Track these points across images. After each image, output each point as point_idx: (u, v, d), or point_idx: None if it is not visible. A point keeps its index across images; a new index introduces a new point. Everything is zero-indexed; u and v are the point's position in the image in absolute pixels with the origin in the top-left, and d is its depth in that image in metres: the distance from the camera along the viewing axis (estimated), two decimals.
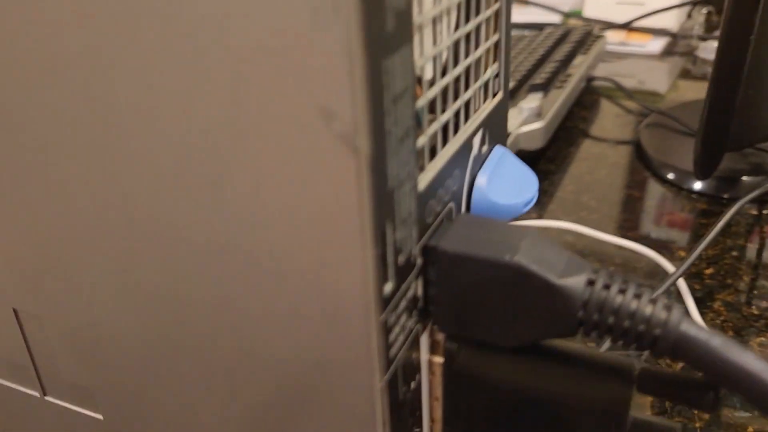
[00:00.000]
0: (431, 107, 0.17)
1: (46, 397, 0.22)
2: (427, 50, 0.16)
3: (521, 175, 0.21)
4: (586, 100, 0.59)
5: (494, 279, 0.17)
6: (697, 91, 0.60)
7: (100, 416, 0.21)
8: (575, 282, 0.17)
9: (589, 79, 0.62)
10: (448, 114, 0.18)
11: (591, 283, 0.17)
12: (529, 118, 0.47)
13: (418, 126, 0.16)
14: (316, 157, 0.13)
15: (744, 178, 0.44)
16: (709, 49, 0.68)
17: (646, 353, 0.31)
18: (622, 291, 0.17)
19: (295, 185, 0.14)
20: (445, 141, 0.18)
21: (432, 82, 0.17)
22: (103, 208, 0.17)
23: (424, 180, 0.16)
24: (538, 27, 0.69)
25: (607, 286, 0.17)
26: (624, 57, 0.68)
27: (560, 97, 0.50)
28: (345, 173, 0.13)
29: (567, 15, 0.77)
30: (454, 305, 0.17)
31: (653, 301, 0.17)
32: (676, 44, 0.71)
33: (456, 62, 0.18)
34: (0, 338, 0.21)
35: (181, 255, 0.16)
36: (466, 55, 0.18)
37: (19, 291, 0.20)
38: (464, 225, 0.17)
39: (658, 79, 0.63)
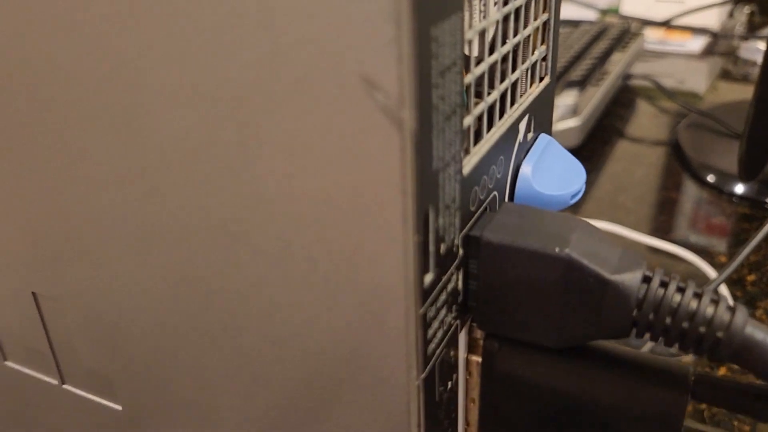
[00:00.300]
0: (477, 90, 0.16)
1: (65, 386, 0.21)
2: (475, 24, 0.15)
3: (568, 165, 0.20)
4: (623, 98, 0.58)
5: (541, 273, 0.15)
6: (737, 92, 0.58)
7: (118, 407, 0.20)
8: (630, 278, 0.15)
9: (626, 78, 0.60)
10: (495, 95, 0.16)
11: (647, 279, 0.16)
12: (564, 114, 0.45)
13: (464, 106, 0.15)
14: (356, 131, 0.12)
15: None
16: (751, 49, 0.66)
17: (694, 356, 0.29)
18: (681, 290, 0.15)
19: (331, 162, 0.13)
20: (490, 125, 0.17)
21: (479, 60, 0.15)
22: (125, 188, 0.16)
23: (468, 164, 0.15)
24: (573, 24, 0.67)
25: (664, 284, 0.16)
26: (662, 56, 0.67)
27: (597, 95, 0.48)
28: (387, 149, 0.12)
29: (604, 12, 0.75)
30: (496, 301, 0.16)
31: (715, 302, 0.15)
32: (717, 44, 0.69)
33: (504, 40, 0.17)
34: (19, 323, 0.20)
35: (207, 237, 0.15)
36: (515, 33, 0.17)
37: (38, 274, 0.19)
38: (509, 214, 0.16)
39: (697, 79, 0.61)
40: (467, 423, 0.18)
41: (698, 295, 0.15)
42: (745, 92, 0.58)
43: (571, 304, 0.15)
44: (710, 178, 0.44)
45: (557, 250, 0.15)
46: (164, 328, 0.17)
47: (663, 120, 0.54)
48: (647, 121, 0.54)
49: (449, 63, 0.13)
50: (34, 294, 0.19)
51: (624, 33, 0.60)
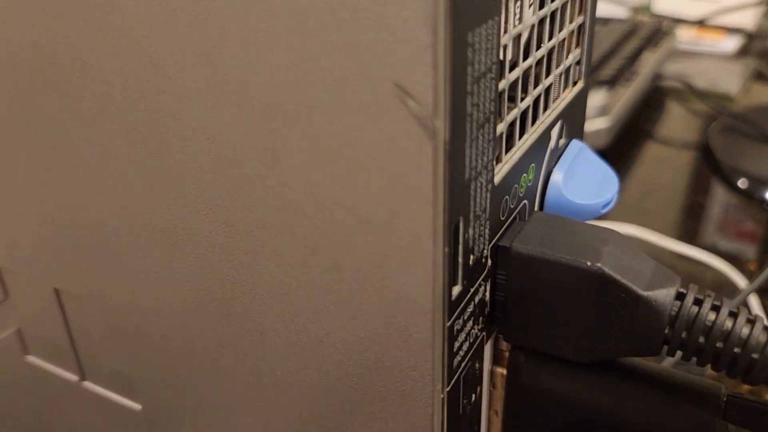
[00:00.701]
0: (509, 95, 0.15)
1: (84, 383, 0.21)
2: (511, 28, 0.14)
3: (600, 172, 0.19)
4: (653, 99, 0.57)
5: (571, 286, 0.15)
6: None
7: (138, 406, 0.20)
8: (663, 295, 0.15)
9: (657, 78, 0.59)
10: (528, 100, 0.16)
11: (680, 296, 0.15)
12: (593, 115, 0.44)
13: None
14: (387, 139, 0.12)
15: None
16: None
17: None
18: (716, 308, 0.15)
19: (360, 169, 0.12)
20: (522, 131, 0.16)
21: (513, 65, 0.15)
22: (151, 189, 0.15)
23: (500, 173, 0.15)
24: (603, 21, 0.66)
25: (698, 302, 0.15)
26: (695, 56, 0.65)
27: (626, 95, 0.47)
28: (419, 159, 0.12)
29: (635, 10, 0.74)
30: (524, 313, 0.16)
31: (751, 322, 0.15)
32: (751, 44, 0.68)
33: (539, 44, 0.16)
34: (41, 318, 0.20)
35: (231, 241, 0.15)
36: (550, 37, 0.17)
37: (61, 270, 0.19)
38: (539, 224, 0.16)
39: (730, 80, 0.60)
40: None
41: (734, 314, 0.15)
42: None
43: (601, 319, 0.15)
44: (741, 183, 0.43)
45: (589, 263, 0.15)
46: (185, 330, 0.17)
47: (694, 122, 0.53)
48: (677, 123, 0.53)
49: (484, 70, 0.13)
50: (56, 290, 0.19)
51: (655, 32, 0.59)
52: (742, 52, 0.66)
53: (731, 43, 0.67)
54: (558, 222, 0.16)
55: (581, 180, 0.18)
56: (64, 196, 0.17)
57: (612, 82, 0.48)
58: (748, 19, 0.69)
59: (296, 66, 0.12)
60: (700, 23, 0.69)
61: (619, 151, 0.48)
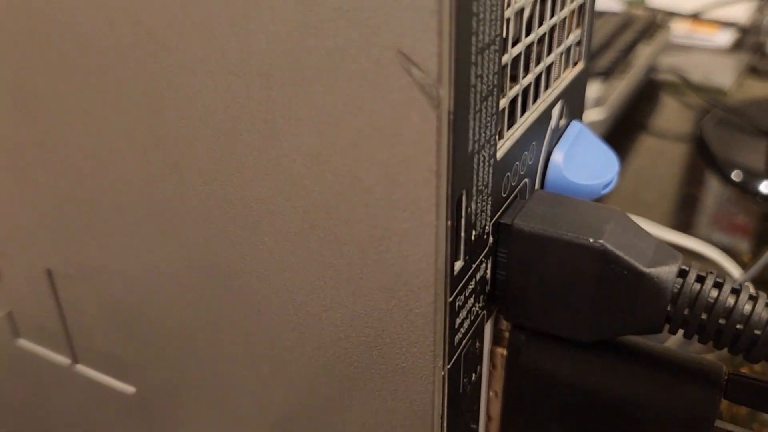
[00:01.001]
0: (511, 73, 0.15)
1: (77, 366, 0.21)
2: (513, 2, 0.14)
3: (600, 154, 0.19)
4: (647, 92, 0.57)
5: (573, 264, 0.15)
6: (764, 88, 0.57)
7: (132, 389, 0.20)
8: (666, 272, 0.15)
9: (651, 71, 0.59)
10: (530, 77, 0.16)
11: (683, 274, 0.15)
12: (587, 106, 0.44)
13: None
14: (390, 108, 0.12)
15: None
16: None
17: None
18: (718, 285, 0.15)
19: (361, 140, 0.12)
20: (524, 108, 0.16)
21: (515, 41, 0.15)
22: (145, 163, 0.15)
23: (502, 148, 0.14)
24: (598, 14, 0.66)
25: (700, 279, 0.15)
26: (689, 49, 0.65)
27: (621, 87, 0.47)
28: (422, 128, 0.11)
29: (629, 3, 0.74)
30: (525, 291, 0.16)
31: (753, 298, 0.15)
32: (744, 39, 0.68)
33: (540, 21, 0.16)
34: (33, 300, 0.20)
35: (228, 214, 0.15)
36: (551, 14, 0.16)
37: (53, 251, 0.18)
38: (541, 202, 0.16)
39: (723, 74, 0.60)
40: (489, 416, 0.18)
41: (736, 291, 0.15)
42: None
43: (603, 297, 0.15)
44: (735, 176, 0.43)
45: (591, 240, 0.15)
46: (181, 309, 0.17)
47: (688, 115, 0.53)
48: (672, 116, 0.53)
49: (488, 41, 0.12)
50: (48, 271, 0.19)
51: (650, 25, 0.59)
52: (736, 46, 0.66)
53: (725, 37, 0.67)
54: (559, 200, 0.16)
55: (582, 160, 0.18)
56: (56, 172, 0.17)
57: (607, 74, 0.48)
58: (741, 13, 0.69)
59: (296, 33, 0.12)
60: (695, 17, 0.69)
61: (614, 142, 0.48)
